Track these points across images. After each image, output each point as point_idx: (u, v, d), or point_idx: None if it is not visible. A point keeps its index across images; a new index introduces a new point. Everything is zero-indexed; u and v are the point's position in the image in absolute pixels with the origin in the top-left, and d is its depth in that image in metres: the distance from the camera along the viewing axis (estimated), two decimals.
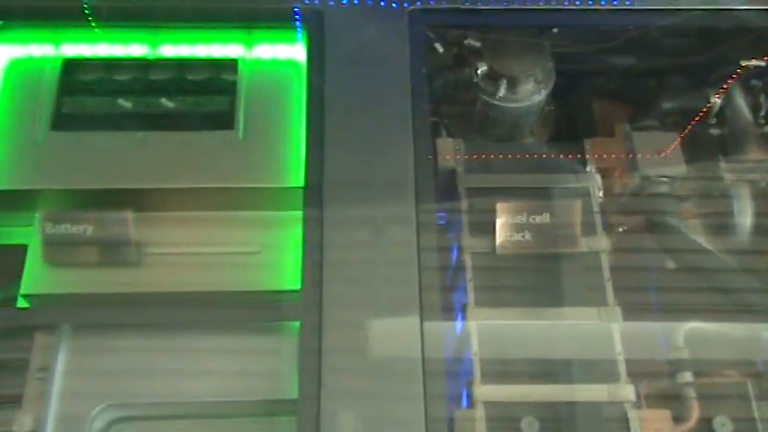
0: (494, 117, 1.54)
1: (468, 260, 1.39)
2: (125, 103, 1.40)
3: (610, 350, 1.32)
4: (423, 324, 1.20)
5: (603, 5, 1.52)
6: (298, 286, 1.27)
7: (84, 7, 1.46)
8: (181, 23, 1.49)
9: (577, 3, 1.52)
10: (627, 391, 1.28)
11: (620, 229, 1.50)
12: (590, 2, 1.53)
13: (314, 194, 1.29)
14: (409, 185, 1.30)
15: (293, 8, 1.47)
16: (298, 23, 1.48)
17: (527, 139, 1.62)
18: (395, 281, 1.23)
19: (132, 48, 1.46)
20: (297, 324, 1.22)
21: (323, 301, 1.20)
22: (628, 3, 1.53)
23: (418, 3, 1.44)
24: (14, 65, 1.43)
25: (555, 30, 1.57)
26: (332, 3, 1.44)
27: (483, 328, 1.33)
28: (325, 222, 1.26)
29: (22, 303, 1.30)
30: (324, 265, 1.23)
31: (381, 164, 1.32)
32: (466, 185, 1.46)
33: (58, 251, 1.29)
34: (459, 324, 1.33)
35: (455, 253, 1.40)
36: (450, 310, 1.31)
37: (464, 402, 1.27)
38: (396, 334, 1.20)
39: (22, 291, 1.30)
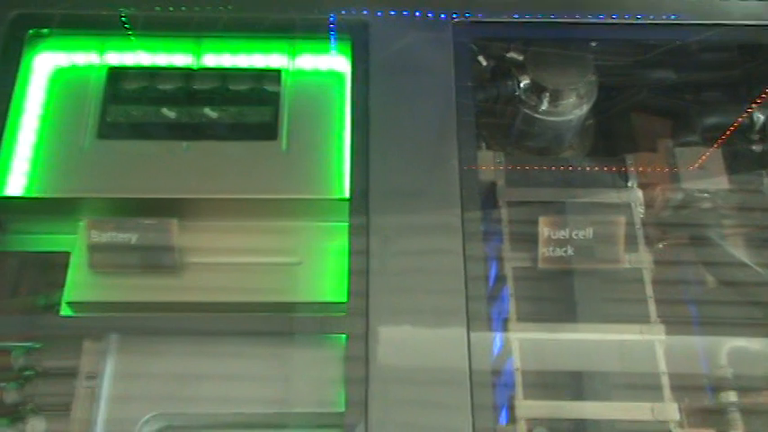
0: (534, 130, 1.55)
1: (509, 274, 1.40)
2: (169, 113, 1.42)
3: (653, 367, 1.33)
4: (469, 334, 1.21)
5: (647, 19, 1.53)
6: (339, 298, 1.29)
7: (122, 17, 1.48)
8: (224, 33, 1.51)
9: (614, 17, 1.53)
10: (671, 410, 1.29)
11: (661, 245, 1.50)
12: (631, 15, 1.54)
13: (359, 204, 1.30)
14: (455, 195, 1.31)
15: (328, 18, 1.49)
16: (334, 34, 1.50)
17: (566, 152, 1.63)
18: (441, 290, 1.24)
19: (176, 57, 1.48)
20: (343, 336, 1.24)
21: (369, 312, 1.21)
22: (664, 17, 1.54)
23: (466, 14, 1.45)
24: (59, 73, 1.46)
25: (593, 43, 1.58)
26: (378, 14, 1.46)
27: (525, 343, 1.34)
28: (370, 232, 1.27)
29: (65, 311, 1.32)
30: (370, 275, 1.24)
31: (426, 174, 1.33)
32: (506, 199, 1.48)
33: (104, 259, 1.31)
34: (501, 338, 1.34)
35: (496, 266, 1.41)
36: (495, 323, 1.32)
37: (506, 416, 1.28)
38: (442, 344, 1.21)
39: (66, 298, 1.31)
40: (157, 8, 1.51)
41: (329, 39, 1.49)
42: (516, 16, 1.50)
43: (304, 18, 1.50)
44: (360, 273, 1.25)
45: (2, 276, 1.41)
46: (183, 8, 1.51)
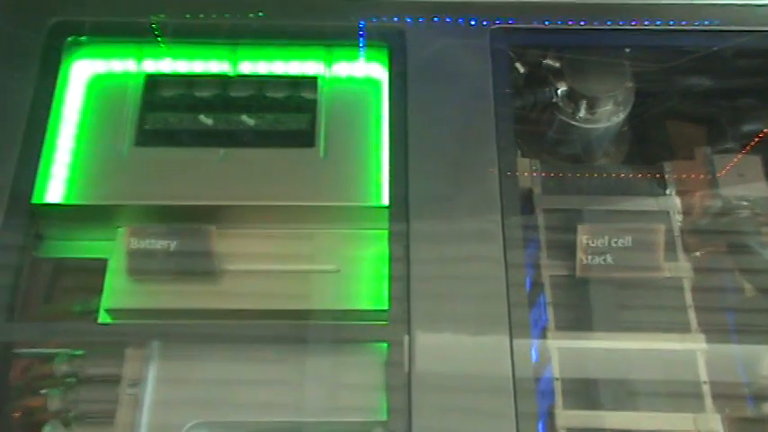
0: (570, 138, 1.57)
1: (547, 282, 1.42)
2: (206, 120, 1.44)
3: (694, 377, 1.33)
4: (512, 341, 1.23)
5: (683, 26, 1.54)
6: (378, 305, 1.31)
7: (152, 24, 1.50)
8: (259, 41, 1.53)
9: (646, 23, 1.55)
10: (714, 421, 1.29)
11: (700, 253, 1.51)
12: (664, 21, 1.55)
13: (399, 211, 1.32)
14: (495, 202, 1.33)
15: (358, 25, 1.51)
16: (364, 41, 1.51)
17: (601, 160, 1.64)
18: (483, 297, 1.26)
19: (212, 64, 1.51)
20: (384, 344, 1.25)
21: (410, 319, 1.22)
22: (697, 23, 1.55)
23: (498, 21, 1.47)
24: (96, 80, 1.48)
25: (627, 49, 1.60)
26: (412, 20, 1.48)
27: (563, 352, 1.35)
28: (410, 239, 1.29)
29: (104, 318, 1.34)
30: (411, 282, 1.25)
31: (466, 181, 1.35)
32: (543, 206, 1.49)
33: (142, 266, 1.33)
34: (539, 347, 1.35)
35: (533, 274, 1.42)
36: (532, 331, 1.33)
37: (546, 426, 1.29)
38: (485, 351, 1.22)
39: (104, 305, 1.33)
40: (188, 15, 1.53)
41: (363, 45, 1.50)
42: (548, 23, 1.52)
43: (339, 25, 1.52)
44: (400, 279, 1.27)
45: (37, 283, 1.42)
46: (214, 15, 1.53)
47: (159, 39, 1.52)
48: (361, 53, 1.53)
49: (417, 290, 1.26)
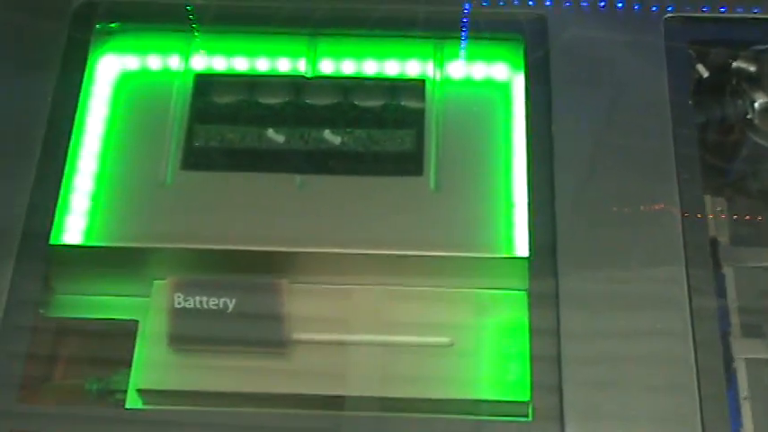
0: None
1: (741, 368, 1.39)
2: (275, 136, 1.46)
3: None
4: None
5: None
6: (509, 395, 1.30)
7: (188, 8, 1.53)
8: (341, 30, 1.56)
9: None
10: None
11: None
12: None
13: (543, 265, 1.32)
14: (676, 253, 1.33)
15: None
16: (464, 30, 1.54)
17: None
18: (663, 384, 1.25)
19: (282, 61, 1.53)
20: None
21: (564, 416, 1.20)
22: None
23: (687, 8, 1.49)
24: (129, 80, 1.52)
25: None
26: (553, 4, 1.49)
27: None
28: (561, 304, 1.28)
29: (133, 401, 1.33)
30: (562, 365, 1.24)
31: (635, 224, 1.35)
32: (733, 262, 1.47)
33: (189, 332, 1.33)
34: None
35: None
36: None
37: None
38: None
39: (135, 384, 1.33)
40: None
41: (466, 37, 1.53)
42: (741, 10, 1.53)
43: (444, 11, 1.54)
44: (547, 360, 1.25)
45: (43, 351, 1.42)
46: None
47: (195, 27, 1.55)
48: (462, 47, 1.54)
49: (571, 374, 1.24)
